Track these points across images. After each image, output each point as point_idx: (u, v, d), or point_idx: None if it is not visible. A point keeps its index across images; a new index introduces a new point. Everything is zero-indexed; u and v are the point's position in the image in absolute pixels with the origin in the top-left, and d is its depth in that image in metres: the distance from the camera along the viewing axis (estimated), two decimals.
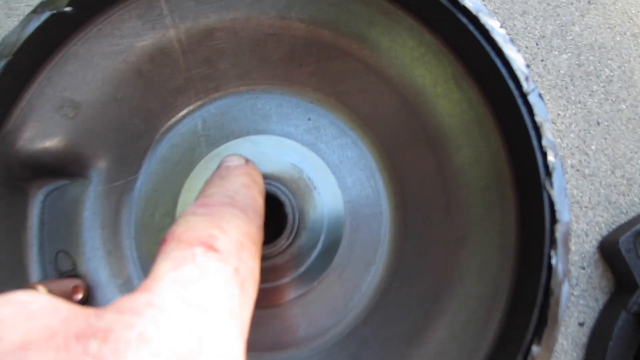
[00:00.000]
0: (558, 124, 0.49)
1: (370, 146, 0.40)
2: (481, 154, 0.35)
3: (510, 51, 0.31)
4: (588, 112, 0.49)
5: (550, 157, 0.30)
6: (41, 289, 0.30)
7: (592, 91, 0.49)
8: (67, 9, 0.30)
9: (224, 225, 0.23)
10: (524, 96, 0.31)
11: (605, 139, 0.49)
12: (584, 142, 0.48)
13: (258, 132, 0.40)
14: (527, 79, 0.31)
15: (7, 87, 0.31)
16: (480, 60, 0.33)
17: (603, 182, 0.48)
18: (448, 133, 0.36)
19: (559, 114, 0.49)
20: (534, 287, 0.29)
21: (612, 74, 0.50)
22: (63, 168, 0.36)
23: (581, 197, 0.48)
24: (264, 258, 0.38)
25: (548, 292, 0.29)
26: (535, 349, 0.28)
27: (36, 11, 0.30)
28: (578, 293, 0.46)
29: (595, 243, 0.47)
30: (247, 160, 0.31)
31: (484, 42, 0.32)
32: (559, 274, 0.29)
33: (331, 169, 0.39)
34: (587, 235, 0.47)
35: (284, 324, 0.38)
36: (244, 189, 0.27)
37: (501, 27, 0.31)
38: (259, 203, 0.28)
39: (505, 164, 0.34)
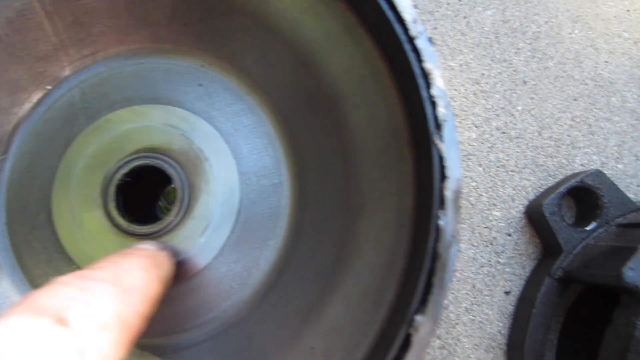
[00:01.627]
0: (482, 84, 0.45)
1: (268, 112, 0.36)
2: (378, 112, 0.31)
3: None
4: (514, 70, 0.45)
5: (441, 108, 0.26)
6: None
7: (518, 49, 0.46)
8: None
9: (92, 301, 0.20)
10: (411, 41, 0.27)
11: (532, 98, 0.45)
12: (510, 103, 0.45)
13: (144, 101, 0.35)
14: (415, 21, 0.27)
15: None
16: (368, 6, 0.29)
17: (530, 144, 0.45)
18: (344, 91, 0.32)
19: (483, 74, 0.45)
20: (423, 252, 0.26)
21: (538, 30, 0.46)
22: None
23: (507, 160, 0.44)
24: (151, 238, 0.34)
25: (435, 256, 0.25)
26: (419, 318, 0.24)
27: None
28: (504, 261, 0.43)
29: (522, 208, 0.44)
30: (163, 248, 0.29)
31: None
32: (446, 235, 0.25)
33: (225, 138, 0.35)
34: (513, 200, 0.44)
35: (176, 307, 0.34)
36: (139, 270, 0.24)
37: None
38: (153, 290, 0.24)
39: (402, 121, 0.30)
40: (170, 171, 0.34)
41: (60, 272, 0.33)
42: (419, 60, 0.27)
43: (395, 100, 0.30)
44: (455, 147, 0.26)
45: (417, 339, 0.24)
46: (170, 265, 0.29)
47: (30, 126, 0.34)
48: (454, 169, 0.26)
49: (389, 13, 0.27)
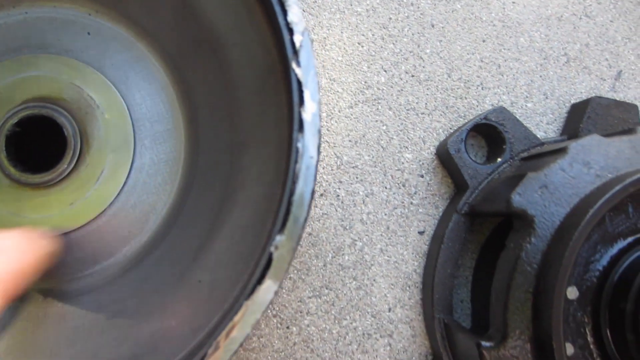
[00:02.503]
0: (390, 29, 0.45)
1: (158, 58, 0.36)
2: (254, 49, 0.32)
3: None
4: (421, 14, 0.46)
5: (297, 35, 0.27)
6: None
7: None
8: None
9: None
10: None
11: (440, 41, 0.46)
12: (419, 46, 0.46)
13: (31, 50, 0.35)
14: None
15: None
16: None
17: (439, 87, 0.45)
18: (222, 30, 0.33)
19: (390, 18, 0.46)
20: (286, 177, 0.27)
21: None
22: None
23: (417, 103, 0.45)
24: (45, 186, 0.34)
25: (294, 178, 0.26)
26: (278, 237, 0.26)
27: None
28: (417, 202, 0.44)
29: (433, 150, 0.45)
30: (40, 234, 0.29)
31: None
32: (304, 157, 0.26)
33: (116, 86, 0.36)
34: (424, 142, 0.45)
35: (76, 253, 0.35)
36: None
37: None
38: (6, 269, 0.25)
39: (275, 56, 0.31)
40: (61, 119, 0.34)
41: None
42: None
43: (268, 34, 0.31)
44: (313, 72, 0.27)
45: (277, 257, 0.26)
46: (46, 247, 0.29)
47: None
48: (312, 93, 0.27)
49: None
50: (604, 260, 0.34)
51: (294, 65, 0.27)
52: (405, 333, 0.43)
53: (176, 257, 0.33)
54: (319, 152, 0.27)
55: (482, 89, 0.46)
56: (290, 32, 0.27)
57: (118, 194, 0.35)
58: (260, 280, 0.26)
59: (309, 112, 0.26)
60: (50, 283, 0.34)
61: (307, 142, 0.26)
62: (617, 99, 0.47)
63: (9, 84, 0.35)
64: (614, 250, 0.34)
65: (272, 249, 0.26)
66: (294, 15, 0.27)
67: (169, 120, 0.36)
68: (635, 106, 0.44)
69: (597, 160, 0.35)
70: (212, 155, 0.34)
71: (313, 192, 0.26)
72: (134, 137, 0.35)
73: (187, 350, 0.27)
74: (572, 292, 0.34)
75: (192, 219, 0.34)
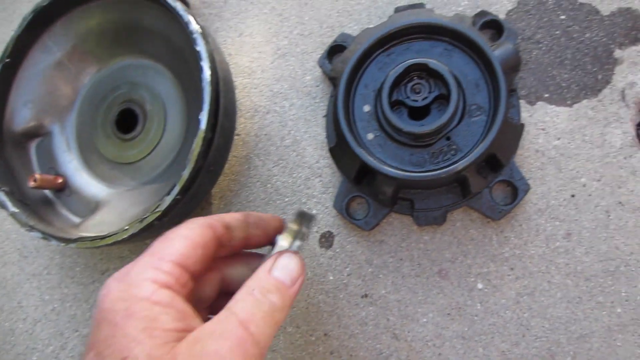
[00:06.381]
0: (284, 15, 0.87)
1: (167, 69, 0.84)
2: (188, 47, 0.77)
3: (184, 14, 0.73)
4: (299, 6, 0.87)
5: (195, 33, 0.71)
6: (37, 176, 0.79)
7: None
8: (7, 60, 0.80)
9: None
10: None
11: (312, 12, 0.86)
12: (301, 17, 0.87)
13: (123, 81, 0.86)
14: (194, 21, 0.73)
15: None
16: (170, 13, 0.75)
17: (318, 34, 0.85)
18: (183, 46, 0.79)
19: (283, 9, 0.88)
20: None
21: None
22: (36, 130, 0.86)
23: (306, 48, 0.86)
24: (130, 140, 0.83)
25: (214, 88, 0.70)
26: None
27: None
28: (317, 100, 0.84)
29: (319, 69, 0.85)
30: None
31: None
32: (203, 80, 0.69)
33: (155, 88, 0.84)
34: (315, 68, 0.85)
35: (144, 168, 0.82)
36: None
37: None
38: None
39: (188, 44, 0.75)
40: (135, 109, 0.83)
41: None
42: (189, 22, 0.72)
43: (189, 40, 0.75)
44: (203, 47, 0.71)
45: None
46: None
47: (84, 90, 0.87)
48: (204, 57, 0.70)
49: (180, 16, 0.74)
50: (377, 85, 0.70)
51: (195, 47, 0.71)
52: (328, 172, 0.82)
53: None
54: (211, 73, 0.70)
55: (340, 27, 0.85)
56: (191, 32, 0.71)
57: (159, 140, 0.82)
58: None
59: (203, 48, 0.70)
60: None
61: (204, 66, 0.70)
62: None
63: (115, 95, 0.85)
64: (387, 82, 0.70)
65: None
66: (194, 27, 0.71)
67: (177, 97, 0.83)
68: (423, 3, 0.78)
69: (385, 26, 0.72)
70: (189, 95, 0.80)
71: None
72: (165, 112, 0.83)
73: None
74: (366, 108, 0.71)
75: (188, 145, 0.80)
